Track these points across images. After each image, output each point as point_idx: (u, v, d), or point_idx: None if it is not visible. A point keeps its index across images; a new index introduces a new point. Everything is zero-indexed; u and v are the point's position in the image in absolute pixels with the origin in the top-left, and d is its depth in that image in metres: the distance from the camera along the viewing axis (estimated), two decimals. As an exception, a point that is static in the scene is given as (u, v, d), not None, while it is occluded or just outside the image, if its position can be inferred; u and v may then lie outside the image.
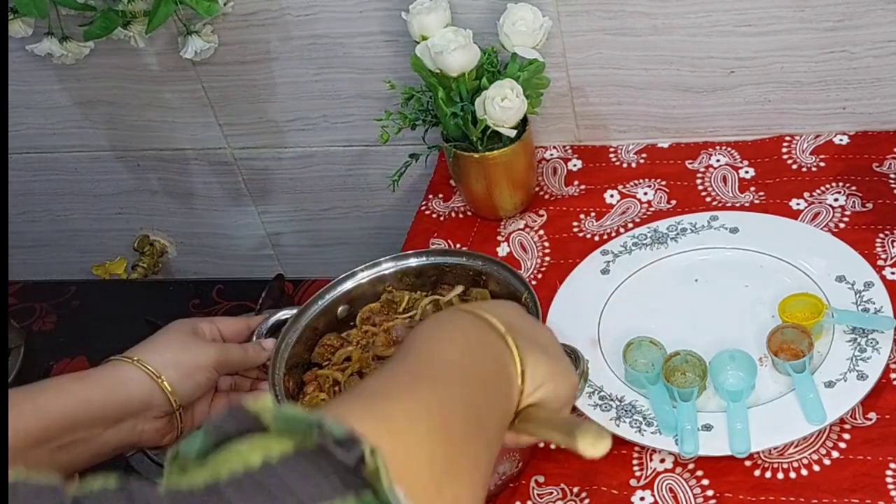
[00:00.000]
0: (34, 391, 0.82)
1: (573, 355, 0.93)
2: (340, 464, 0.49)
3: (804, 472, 0.93)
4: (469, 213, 1.31)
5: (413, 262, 1.07)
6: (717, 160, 1.29)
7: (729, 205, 1.22)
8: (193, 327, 0.96)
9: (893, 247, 1.12)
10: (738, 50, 1.24)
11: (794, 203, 1.20)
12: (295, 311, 1.02)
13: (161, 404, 0.89)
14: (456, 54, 1.15)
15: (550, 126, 1.37)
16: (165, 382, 0.89)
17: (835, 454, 0.94)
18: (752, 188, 1.24)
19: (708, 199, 1.24)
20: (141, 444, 0.90)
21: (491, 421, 0.66)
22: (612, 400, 1.01)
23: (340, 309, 1.05)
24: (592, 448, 0.67)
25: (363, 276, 1.05)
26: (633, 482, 0.96)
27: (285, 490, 0.47)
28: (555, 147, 1.38)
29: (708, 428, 0.96)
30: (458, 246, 1.26)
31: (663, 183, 1.28)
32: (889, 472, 0.91)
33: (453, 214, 1.31)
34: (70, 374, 0.87)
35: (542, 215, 1.27)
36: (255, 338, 1.02)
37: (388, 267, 1.06)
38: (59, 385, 0.84)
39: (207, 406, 0.97)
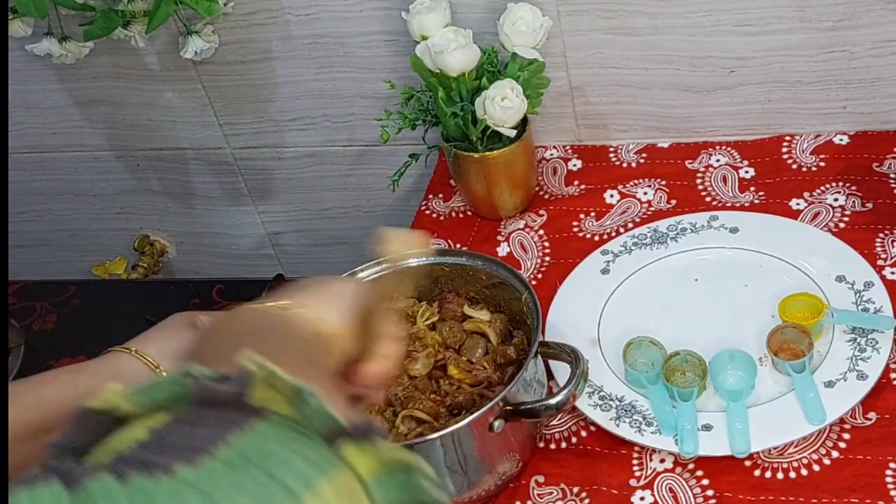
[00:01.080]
0: (33, 383, 0.81)
1: (573, 355, 0.93)
2: (229, 395, 0.48)
3: (804, 471, 0.93)
4: (469, 213, 1.31)
5: (413, 262, 1.06)
6: (717, 160, 1.29)
7: (729, 205, 1.22)
8: (192, 319, 0.95)
9: (893, 247, 1.12)
10: (739, 50, 1.24)
11: (794, 203, 1.20)
12: None
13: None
14: (456, 54, 1.15)
15: (550, 126, 1.37)
16: (164, 373, 0.88)
17: (835, 454, 0.94)
18: (752, 188, 1.24)
19: (708, 198, 1.24)
20: None
21: None
22: (612, 400, 1.01)
23: None
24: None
25: (363, 276, 1.05)
26: (633, 482, 0.96)
27: (185, 441, 0.47)
28: (555, 147, 1.38)
29: (708, 428, 0.96)
30: (458, 246, 1.26)
31: (663, 183, 1.28)
32: (889, 472, 0.91)
33: (453, 214, 1.31)
34: (69, 365, 0.86)
35: (542, 215, 1.27)
36: None
37: (388, 267, 1.06)
38: (58, 376, 0.83)
39: None
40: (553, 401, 0.90)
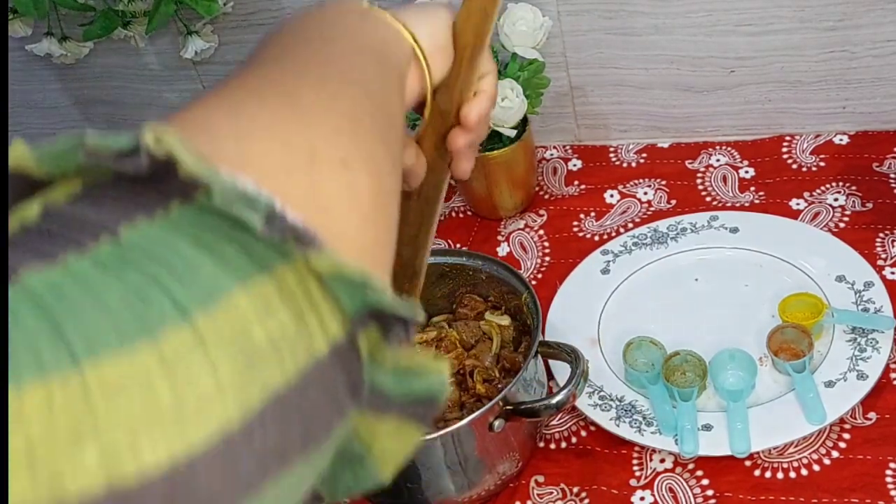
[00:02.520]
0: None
1: (573, 355, 0.93)
2: (139, 177, 0.36)
3: (804, 471, 0.93)
4: (469, 213, 1.31)
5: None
6: (717, 160, 1.29)
7: (729, 204, 1.22)
8: None
9: (893, 246, 1.12)
10: (739, 49, 1.24)
11: (794, 203, 1.20)
12: None
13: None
14: (456, 54, 1.15)
15: (550, 126, 1.37)
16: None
17: (835, 454, 0.94)
18: (752, 188, 1.24)
19: (708, 198, 1.24)
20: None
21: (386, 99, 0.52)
22: (612, 400, 1.01)
23: None
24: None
25: None
26: (633, 482, 0.96)
27: (63, 229, 0.35)
28: (555, 147, 1.38)
29: (708, 428, 0.96)
30: (458, 246, 1.26)
31: (663, 183, 1.28)
32: (889, 472, 0.91)
33: (453, 214, 1.31)
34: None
35: (542, 215, 1.27)
36: None
37: None
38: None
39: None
40: (553, 400, 0.90)
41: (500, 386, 0.98)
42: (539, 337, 0.95)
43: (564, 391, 0.90)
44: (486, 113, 0.66)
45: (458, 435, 0.89)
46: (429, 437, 0.87)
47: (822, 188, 1.21)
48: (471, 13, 0.63)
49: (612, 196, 1.28)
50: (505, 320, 1.04)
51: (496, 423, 0.89)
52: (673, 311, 1.09)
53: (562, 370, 1.00)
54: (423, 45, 0.60)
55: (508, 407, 0.90)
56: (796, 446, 0.95)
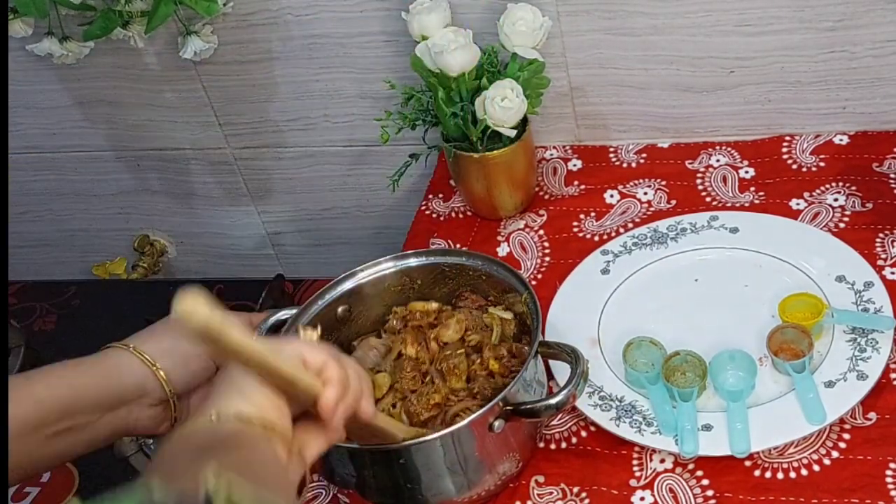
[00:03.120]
0: (30, 379, 0.82)
1: (573, 355, 0.93)
2: None
3: (804, 472, 0.93)
4: (469, 213, 1.31)
5: (413, 261, 1.07)
6: (717, 160, 1.29)
7: (729, 205, 1.22)
8: None
9: (893, 247, 1.12)
10: (738, 50, 1.24)
11: (794, 203, 1.20)
12: (295, 310, 1.02)
13: (156, 392, 0.88)
14: (456, 54, 1.15)
15: (550, 126, 1.37)
16: (160, 370, 0.88)
17: (835, 454, 0.94)
18: (752, 188, 1.24)
19: (708, 199, 1.24)
20: (136, 432, 0.89)
21: None
22: (612, 400, 1.01)
23: (340, 309, 1.05)
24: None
25: (363, 276, 1.05)
26: (633, 482, 0.96)
27: None
28: (555, 147, 1.38)
29: (708, 428, 0.96)
30: (458, 246, 1.26)
31: (663, 183, 1.28)
32: (889, 472, 0.91)
33: (453, 214, 1.31)
34: (66, 361, 0.86)
35: (542, 215, 1.27)
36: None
37: (388, 267, 1.06)
38: (55, 372, 0.84)
39: (204, 396, 0.95)
40: (553, 400, 0.90)
41: (508, 363, 0.98)
42: (539, 337, 0.95)
43: (564, 391, 0.90)
44: (336, 401, 0.73)
45: (457, 435, 0.89)
46: (429, 437, 0.87)
47: (822, 188, 1.21)
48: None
49: (612, 196, 1.28)
50: (507, 314, 1.04)
51: (496, 423, 0.89)
52: (673, 311, 1.09)
53: (562, 370, 1.00)
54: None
55: (508, 407, 0.90)
56: (796, 446, 0.95)
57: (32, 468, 0.82)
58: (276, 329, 1.02)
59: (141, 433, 0.89)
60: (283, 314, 1.03)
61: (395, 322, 1.05)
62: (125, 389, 0.86)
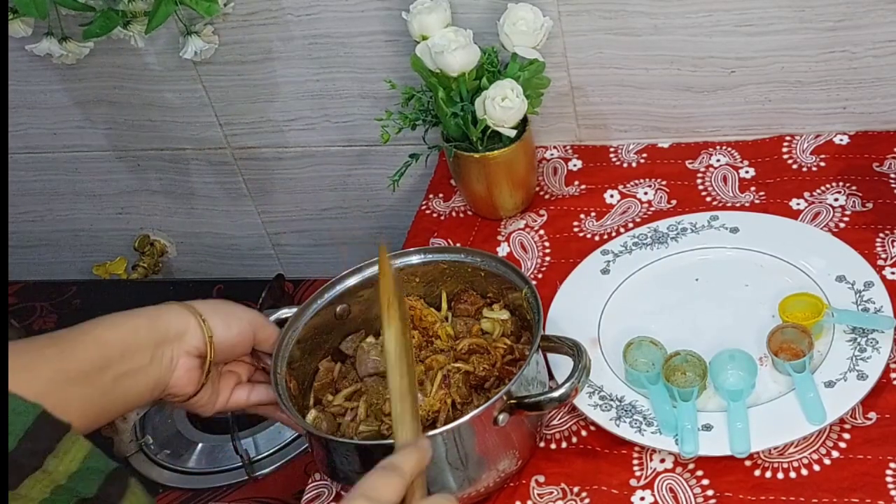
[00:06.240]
0: (89, 326, 0.86)
1: (575, 349, 0.93)
2: None
3: (804, 471, 0.93)
4: (469, 213, 1.31)
5: (414, 259, 1.07)
6: (718, 160, 1.29)
7: (729, 205, 1.22)
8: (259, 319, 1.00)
9: (893, 247, 1.12)
10: (739, 50, 1.24)
11: (794, 203, 1.20)
12: (294, 310, 1.02)
13: (195, 338, 0.91)
14: (456, 54, 1.16)
15: (550, 126, 1.37)
16: (202, 318, 0.92)
17: (835, 454, 0.94)
18: (753, 188, 1.24)
19: (708, 198, 1.24)
20: (173, 388, 0.91)
21: None
22: (612, 400, 1.01)
23: (339, 308, 1.05)
24: None
25: (361, 275, 1.05)
26: (633, 482, 0.96)
27: None
28: (555, 147, 1.38)
29: (708, 428, 0.96)
30: (458, 246, 1.26)
31: (663, 183, 1.28)
32: (889, 472, 0.91)
33: (454, 214, 1.31)
34: (128, 311, 0.90)
35: (543, 215, 1.27)
36: None
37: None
38: (110, 319, 0.88)
39: (230, 389, 0.98)
40: (556, 394, 0.90)
41: (494, 366, 0.99)
42: (540, 331, 0.95)
43: (567, 384, 0.90)
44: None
45: (459, 431, 0.89)
46: (431, 433, 0.87)
47: (822, 188, 1.21)
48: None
49: (612, 196, 1.28)
50: (504, 314, 1.04)
51: (501, 416, 0.89)
52: (673, 311, 1.09)
53: (561, 367, 1.00)
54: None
55: (512, 401, 0.90)
56: (796, 446, 0.95)
57: (105, 414, 0.86)
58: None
59: (177, 393, 0.92)
60: (284, 313, 1.03)
61: None
62: (170, 326, 0.90)
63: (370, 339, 1.06)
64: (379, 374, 1.02)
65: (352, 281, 1.05)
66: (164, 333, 0.90)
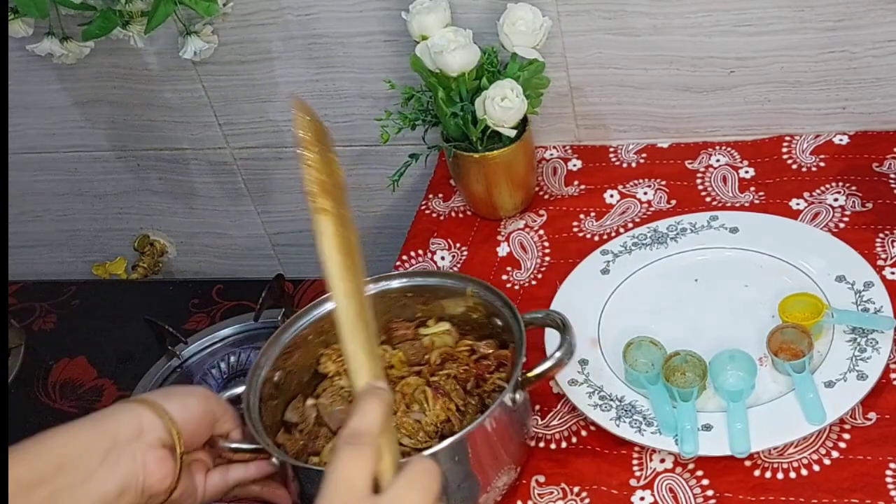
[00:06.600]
0: (31, 442, 0.78)
1: (562, 324, 0.94)
2: None
3: (804, 472, 0.93)
4: (469, 213, 1.31)
5: (328, 307, 1.01)
6: (717, 160, 1.29)
7: (729, 205, 1.22)
8: (214, 405, 0.93)
9: (893, 247, 1.12)
10: (738, 50, 1.24)
11: (794, 203, 1.20)
12: (243, 387, 0.97)
13: (154, 430, 0.84)
14: (456, 54, 1.16)
15: (550, 126, 1.37)
16: (155, 404, 0.85)
17: (835, 454, 0.94)
18: (752, 188, 1.24)
19: (708, 199, 1.24)
20: (149, 485, 0.83)
21: None
22: (612, 400, 1.01)
23: (276, 376, 0.99)
24: None
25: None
26: (633, 482, 0.96)
27: None
28: (555, 147, 1.38)
29: (708, 428, 0.96)
30: (457, 245, 1.26)
31: (663, 183, 1.28)
32: (889, 472, 0.91)
33: (453, 214, 1.31)
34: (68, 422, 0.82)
35: (542, 215, 1.27)
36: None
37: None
38: (52, 431, 0.80)
39: (203, 475, 0.91)
40: (558, 354, 0.91)
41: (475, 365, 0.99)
42: (519, 317, 0.95)
43: (564, 346, 0.92)
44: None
45: (494, 421, 0.89)
46: (428, 452, 0.86)
47: (822, 188, 1.21)
48: None
49: (611, 196, 1.28)
50: (443, 326, 1.03)
51: (517, 395, 0.91)
52: (673, 311, 1.09)
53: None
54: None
55: (525, 377, 0.92)
56: (796, 446, 0.95)
57: None
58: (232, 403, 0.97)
59: (157, 490, 0.84)
60: (235, 392, 0.97)
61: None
62: (120, 428, 0.82)
63: (310, 402, 1.00)
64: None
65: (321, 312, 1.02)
66: (115, 436, 0.82)
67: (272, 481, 0.95)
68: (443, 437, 0.91)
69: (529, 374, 0.92)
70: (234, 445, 0.92)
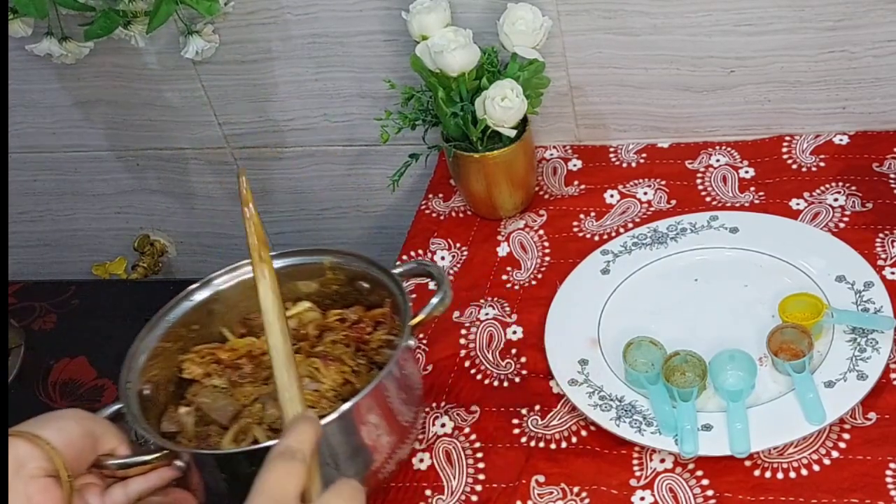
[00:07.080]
0: None
1: (438, 277, 0.96)
2: None
3: (804, 472, 0.93)
4: (469, 213, 1.31)
5: (177, 313, 1.03)
6: (717, 160, 1.29)
7: (729, 205, 1.22)
8: (91, 425, 0.88)
9: (893, 247, 1.12)
10: (738, 49, 1.24)
11: (794, 203, 1.20)
12: (117, 406, 0.94)
13: (33, 456, 0.79)
14: (456, 54, 1.16)
15: (550, 126, 1.37)
16: (27, 434, 0.80)
17: (835, 454, 0.94)
18: (752, 188, 1.24)
19: (708, 198, 1.24)
20: None
21: None
22: (612, 400, 1.01)
23: (145, 391, 0.97)
24: None
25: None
26: (633, 482, 0.96)
27: None
28: (555, 147, 1.38)
29: (708, 428, 0.96)
30: (457, 245, 1.26)
31: (663, 183, 1.28)
32: (889, 472, 0.91)
33: (453, 214, 1.31)
34: None
35: (542, 215, 1.27)
36: None
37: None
38: None
39: (98, 497, 0.86)
40: (435, 300, 0.93)
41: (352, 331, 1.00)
42: (394, 276, 0.96)
43: (441, 292, 0.93)
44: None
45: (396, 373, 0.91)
46: (353, 401, 0.86)
47: (822, 188, 1.21)
48: None
49: (611, 196, 1.28)
50: (303, 305, 1.02)
51: (412, 342, 0.92)
52: (673, 311, 1.10)
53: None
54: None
55: (416, 322, 0.93)
56: (796, 446, 0.95)
57: None
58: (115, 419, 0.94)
59: None
60: (114, 409, 0.94)
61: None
62: None
63: (182, 409, 0.97)
64: (239, 412, 0.96)
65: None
66: None
67: (175, 488, 0.91)
68: (345, 400, 0.89)
69: (415, 321, 0.93)
70: (121, 461, 0.87)
